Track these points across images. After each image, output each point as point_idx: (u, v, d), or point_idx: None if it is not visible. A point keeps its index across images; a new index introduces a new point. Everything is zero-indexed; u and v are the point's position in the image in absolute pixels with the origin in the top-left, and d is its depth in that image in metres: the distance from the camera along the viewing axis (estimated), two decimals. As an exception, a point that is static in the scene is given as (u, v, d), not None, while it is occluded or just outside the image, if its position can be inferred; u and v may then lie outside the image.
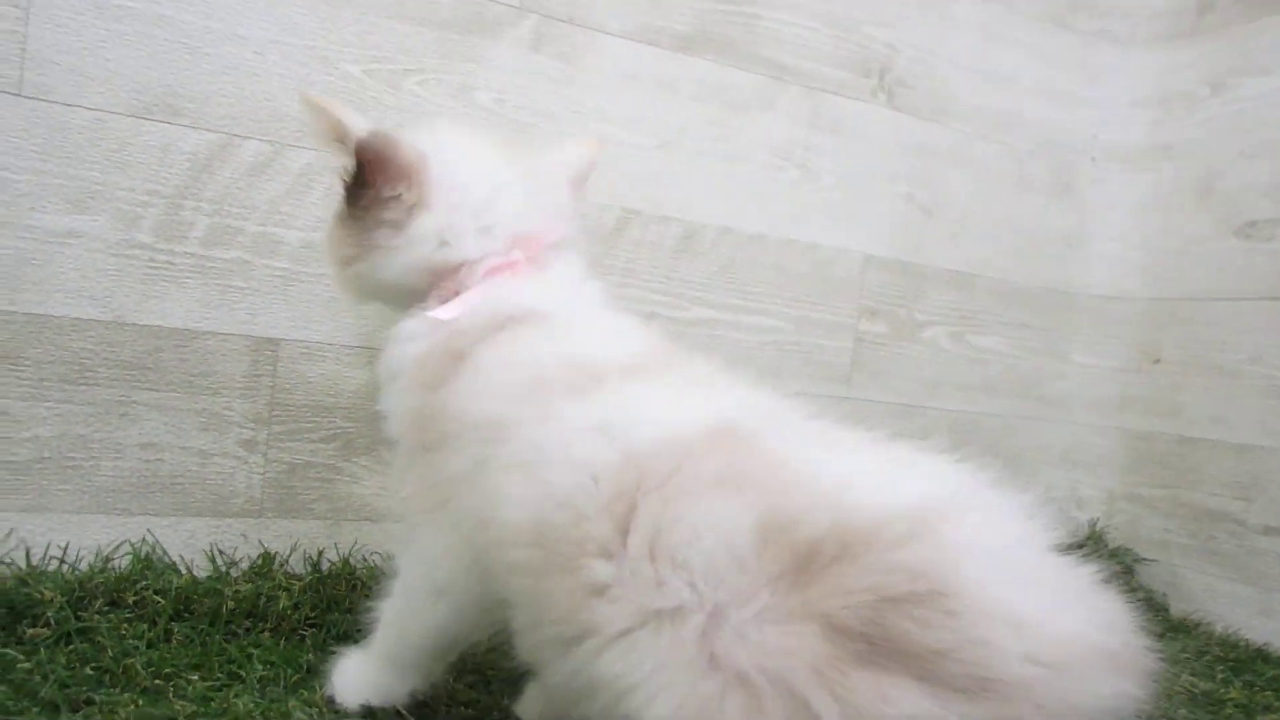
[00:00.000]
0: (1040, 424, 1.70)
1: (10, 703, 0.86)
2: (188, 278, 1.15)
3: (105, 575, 1.08)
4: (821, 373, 1.52)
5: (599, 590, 0.70)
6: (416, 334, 0.91)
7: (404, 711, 0.92)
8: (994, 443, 1.65)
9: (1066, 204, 1.70)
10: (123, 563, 1.12)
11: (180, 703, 0.91)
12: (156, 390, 1.14)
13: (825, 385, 1.52)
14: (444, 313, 0.89)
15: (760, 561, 0.66)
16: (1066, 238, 1.70)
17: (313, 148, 1.19)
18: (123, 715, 0.87)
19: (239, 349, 1.17)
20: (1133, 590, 1.61)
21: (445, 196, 0.91)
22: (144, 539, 1.14)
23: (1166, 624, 1.56)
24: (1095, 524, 1.68)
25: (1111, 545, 1.66)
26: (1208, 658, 1.39)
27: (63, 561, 1.10)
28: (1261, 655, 1.43)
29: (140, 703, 0.89)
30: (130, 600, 1.07)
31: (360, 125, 0.91)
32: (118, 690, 0.92)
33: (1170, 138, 1.67)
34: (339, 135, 0.91)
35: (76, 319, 1.11)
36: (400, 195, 0.90)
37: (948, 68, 1.59)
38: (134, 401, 1.13)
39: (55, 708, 0.87)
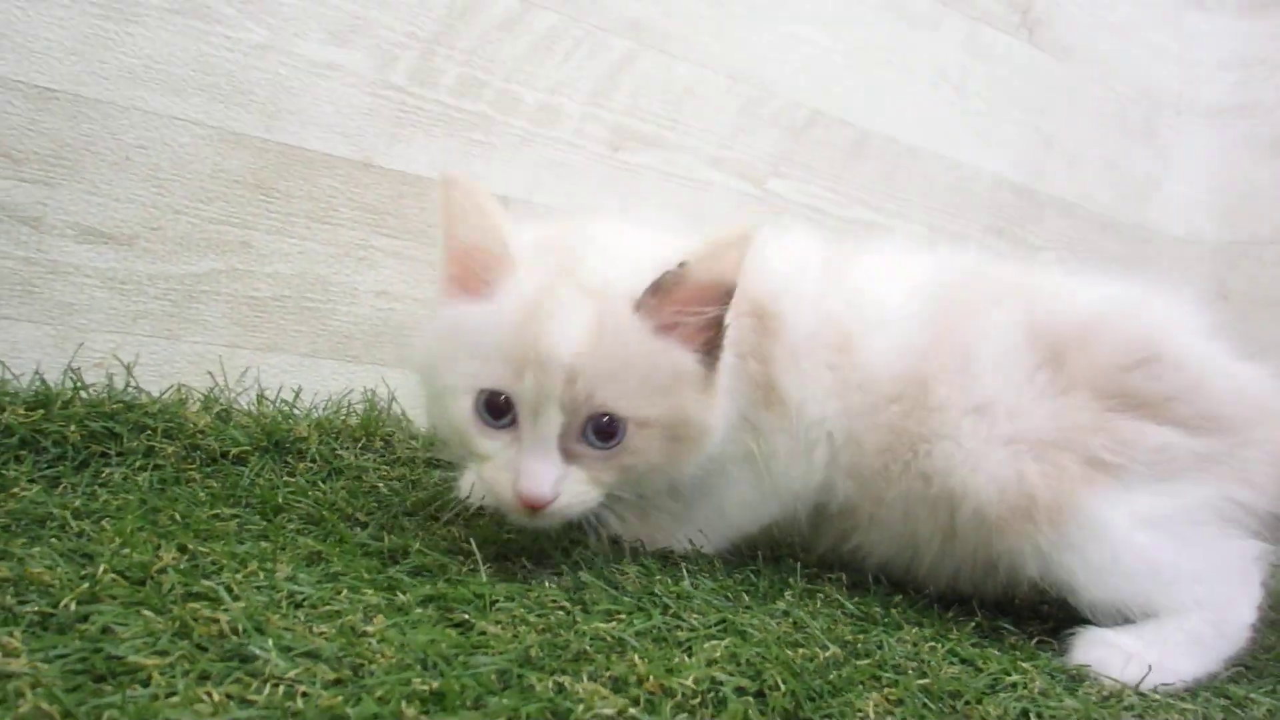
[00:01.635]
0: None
1: (341, 527, 0.79)
2: (434, 125, 1.07)
3: (350, 419, 1.01)
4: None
5: (935, 408, 0.78)
6: None
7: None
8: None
9: (1154, 150, 1.75)
10: (357, 409, 1.04)
11: (500, 532, 0.85)
12: (396, 237, 1.07)
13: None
14: None
15: (1035, 354, 0.77)
16: (1152, 180, 1.76)
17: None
18: (457, 534, 0.81)
19: (473, 204, 1.11)
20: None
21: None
22: (375, 389, 1.06)
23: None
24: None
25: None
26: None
27: (294, 405, 1.02)
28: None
29: (454, 527, 0.84)
30: (378, 445, 1.00)
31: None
32: (418, 520, 0.85)
33: (1248, 98, 1.74)
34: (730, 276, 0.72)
35: (328, 155, 1.02)
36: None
37: (1075, 10, 1.62)
38: (373, 246, 1.06)
39: (382, 525, 0.80)
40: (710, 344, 0.72)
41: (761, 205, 1.29)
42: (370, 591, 0.64)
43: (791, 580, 0.84)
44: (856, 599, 0.82)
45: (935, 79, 1.47)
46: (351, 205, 1.04)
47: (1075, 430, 0.74)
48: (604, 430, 0.69)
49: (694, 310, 0.69)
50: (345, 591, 0.63)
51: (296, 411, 1.01)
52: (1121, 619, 0.74)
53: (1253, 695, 0.73)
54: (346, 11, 1.01)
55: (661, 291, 0.68)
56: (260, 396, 1.00)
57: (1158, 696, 0.69)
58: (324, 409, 1.03)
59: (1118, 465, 0.73)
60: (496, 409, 0.69)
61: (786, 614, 0.75)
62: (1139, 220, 1.75)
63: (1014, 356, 0.78)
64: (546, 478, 0.68)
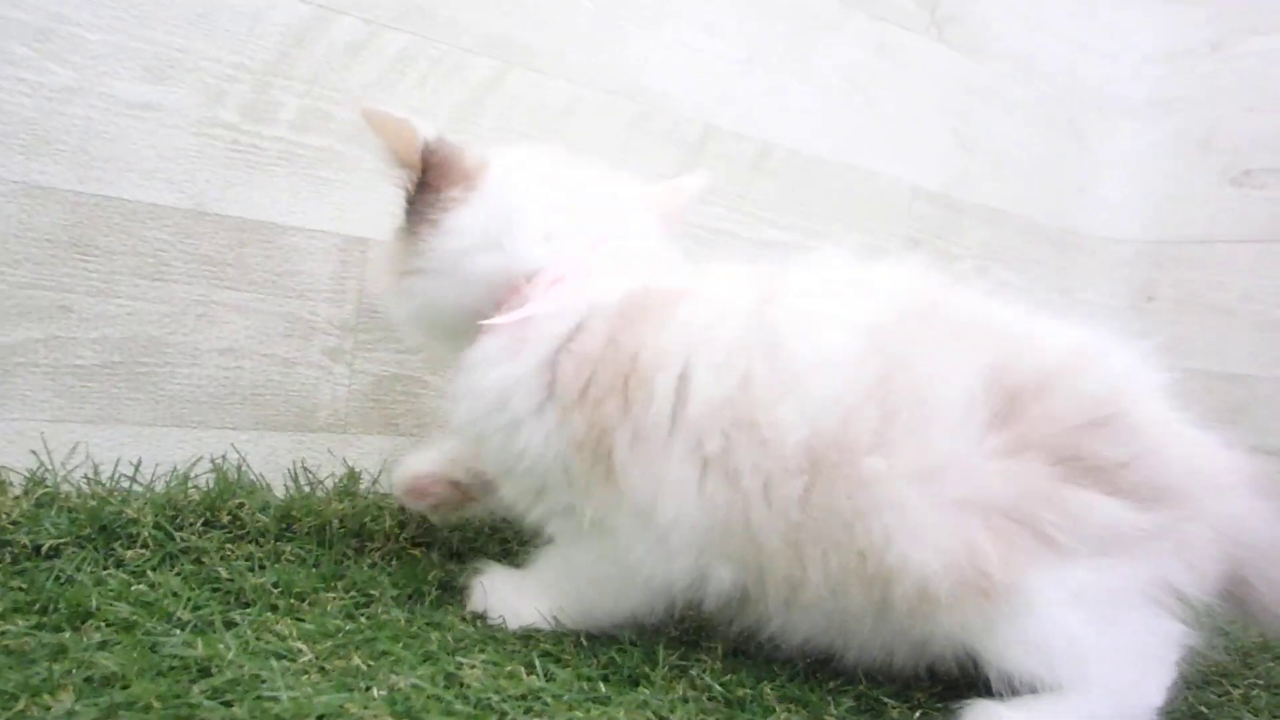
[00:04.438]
0: (1043, 358, 1.69)
1: (151, 624, 0.70)
2: (275, 164, 0.98)
3: (192, 493, 0.91)
4: (868, 300, 1.45)
5: (871, 482, 0.69)
6: (516, 344, 0.76)
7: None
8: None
9: (1079, 150, 1.68)
10: (204, 480, 0.94)
11: (333, 620, 0.76)
12: (239, 289, 0.97)
13: (871, 312, 1.45)
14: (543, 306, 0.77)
15: (987, 407, 0.69)
16: (1078, 181, 1.68)
17: (410, 30, 1.03)
18: (280, 633, 0.72)
19: (326, 247, 1.01)
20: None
21: (500, 197, 0.80)
22: (225, 455, 0.96)
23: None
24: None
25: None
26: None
27: (134, 479, 0.92)
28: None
29: (289, 620, 0.75)
30: (224, 519, 0.90)
31: (427, 130, 0.80)
32: (255, 610, 0.76)
33: (1173, 93, 1.67)
34: (404, 143, 0.80)
35: (153, 204, 0.92)
36: (456, 196, 0.80)
37: (987, 5, 1.54)
38: (214, 301, 0.96)
39: (199, 629, 0.71)
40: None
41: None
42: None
43: (659, 653, 0.76)
44: (730, 676, 0.74)
45: (842, 85, 1.39)
46: (185, 258, 0.94)
47: (1027, 498, 0.68)
48: None
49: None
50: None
51: (138, 486, 0.92)
52: (1026, 691, 0.68)
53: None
54: (165, 45, 0.91)
55: None
56: (93, 475, 0.90)
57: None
58: (167, 483, 0.93)
59: (1064, 543, 0.67)
60: None
61: (645, 705, 0.68)
62: (1065, 224, 1.68)
63: (971, 409, 0.69)
64: None
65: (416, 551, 0.95)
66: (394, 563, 0.93)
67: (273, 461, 0.99)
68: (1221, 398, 1.55)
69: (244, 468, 0.96)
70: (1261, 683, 0.89)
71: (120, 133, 0.90)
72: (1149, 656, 0.69)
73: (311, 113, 0.99)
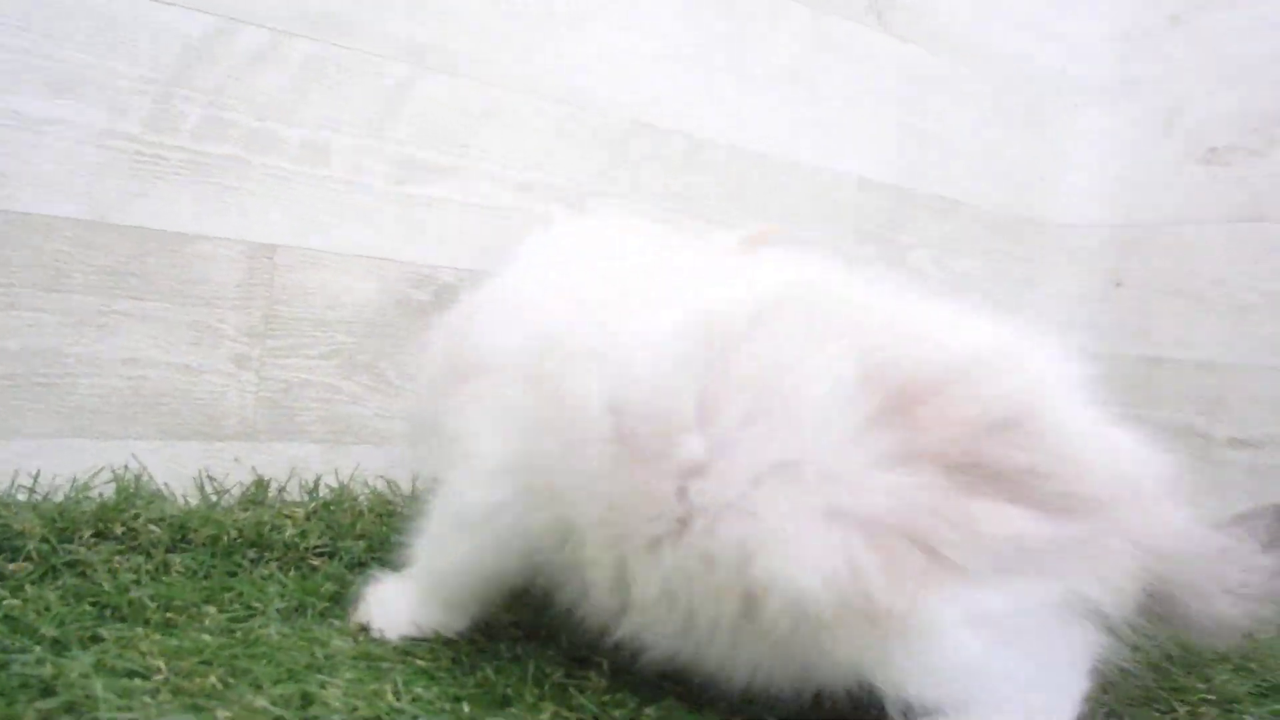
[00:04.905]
0: (1010, 350, 1.65)
1: (8, 641, 0.70)
2: (178, 174, 0.97)
3: (87, 504, 0.91)
4: (816, 296, 1.42)
5: (695, 469, 0.63)
6: None
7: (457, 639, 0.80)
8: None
9: (1039, 135, 1.64)
10: (105, 490, 0.95)
11: (204, 635, 0.76)
12: (141, 299, 0.97)
13: (819, 308, 1.42)
14: None
15: (867, 406, 0.62)
16: (1039, 168, 1.64)
17: (317, 37, 1.03)
18: (143, 650, 0.72)
19: (232, 255, 1.01)
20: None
21: None
22: (127, 465, 0.97)
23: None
24: (1059, 447, 1.64)
25: (1075, 467, 1.62)
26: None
27: (33, 491, 0.93)
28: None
29: (158, 637, 0.74)
30: (118, 531, 0.90)
31: None
32: (126, 625, 0.76)
33: (1134, 71, 1.62)
34: None
35: (52, 217, 0.92)
36: None
37: (935, -9, 1.51)
38: (115, 311, 0.96)
39: (62, 645, 0.71)
40: None
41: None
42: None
43: (543, 669, 0.74)
44: (610, 696, 0.72)
45: (781, 79, 1.36)
46: (86, 269, 0.94)
47: (919, 513, 0.61)
48: None
49: None
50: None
51: (36, 497, 0.92)
52: (926, 716, 0.63)
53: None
54: (67, 61, 0.91)
55: None
56: (-8, 486, 0.91)
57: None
58: (66, 494, 0.93)
59: (962, 562, 0.61)
60: None
61: None
62: (1027, 212, 1.64)
63: (839, 408, 0.62)
64: None
65: (318, 561, 0.95)
66: (291, 573, 0.92)
67: (178, 471, 0.99)
68: (1194, 388, 1.51)
69: (145, 478, 0.96)
70: (1213, 698, 0.85)
71: (20, 148, 0.90)
72: (1061, 672, 0.64)
73: (215, 122, 0.99)
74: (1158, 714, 0.80)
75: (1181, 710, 0.80)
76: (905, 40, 1.46)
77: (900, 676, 0.62)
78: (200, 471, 1.00)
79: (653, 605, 0.67)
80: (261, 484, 1.02)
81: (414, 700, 0.69)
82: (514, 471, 0.72)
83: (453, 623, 0.80)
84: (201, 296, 0.99)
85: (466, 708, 0.69)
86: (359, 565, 0.95)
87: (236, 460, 1.02)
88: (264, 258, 1.02)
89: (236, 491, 1.01)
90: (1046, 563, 0.62)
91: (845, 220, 1.43)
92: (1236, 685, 0.87)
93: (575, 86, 1.19)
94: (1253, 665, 0.93)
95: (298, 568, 0.93)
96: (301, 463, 1.05)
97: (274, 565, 0.93)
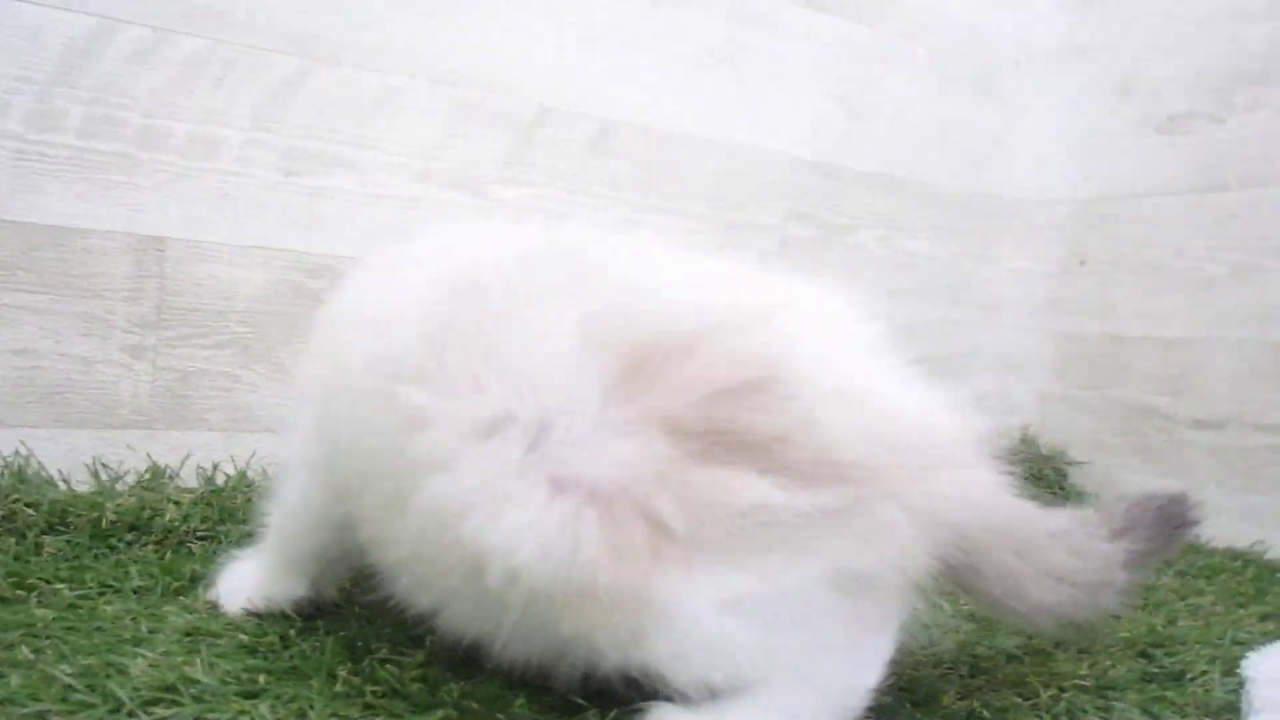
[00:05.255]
0: (972, 328, 1.60)
1: None
2: (63, 171, 1.01)
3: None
4: (748, 278, 1.40)
5: (417, 423, 0.60)
6: None
7: (290, 613, 0.81)
8: (928, 347, 1.54)
9: (992, 107, 1.59)
10: (-1, 478, 0.98)
11: (41, 610, 0.78)
12: (31, 292, 1.00)
13: (752, 290, 1.40)
14: None
15: (592, 368, 0.59)
16: (992, 141, 1.59)
17: (200, 33, 1.05)
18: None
19: (121, 248, 1.04)
20: (1065, 494, 1.52)
21: None
22: (16, 452, 1.00)
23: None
24: (1027, 429, 1.59)
25: (1045, 450, 1.57)
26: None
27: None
28: (1192, 548, 1.35)
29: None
30: (-1, 515, 0.94)
31: None
32: (-28, 599, 0.79)
33: (1088, 38, 1.56)
34: None
35: (-65, 214, 0.97)
36: None
37: (871, -36, 1.47)
38: (5, 304, 1.00)
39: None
40: None
41: (490, 215, 1.19)
42: None
43: (368, 646, 0.74)
44: (418, 671, 0.72)
45: (700, 58, 1.35)
46: (-26, 264, 0.98)
47: (646, 483, 0.57)
48: None
49: None
50: None
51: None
52: (711, 696, 0.59)
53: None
54: (-57, 62, 0.95)
55: None
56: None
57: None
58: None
59: (697, 538, 0.57)
60: None
61: (295, 699, 0.66)
62: (981, 186, 1.58)
63: (559, 367, 0.59)
64: None
65: (196, 546, 0.97)
66: (168, 556, 0.94)
67: (73, 459, 1.02)
68: (1157, 365, 1.45)
69: (33, 464, 0.99)
70: (1089, 684, 0.81)
71: (-101, 148, 0.94)
72: (848, 642, 0.61)
73: (99, 119, 1.02)
74: (1017, 698, 0.77)
75: (1045, 694, 0.77)
76: (839, 15, 1.43)
77: (657, 660, 0.58)
78: (94, 459, 1.03)
79: (406, 566, 0.66)
80: (157, 471, 1.05)
81: (213, 672, 0.70)
82: (319, 433, 0.74)
83: (293, 589, 0.80)
84: (91, 289, 1.03)
85: (262, 679, 0.69)
86: (236, 548, 0.97)
87: (130, 448, 1.05)
88: (154, 250, 1.05)
89: (132, 478, 1.04)
90: (804, 536, 0.57)
91: (776, 201, 1.40)
92: (1120, 671, 0.83)
93: (474, 71, 1.19)
94: (1157, 652, 0.89)
95: (175, 550, 0.95)
96: (200, 450, 1.07)
97: (150, 548, 0.95)
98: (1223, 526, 1.36)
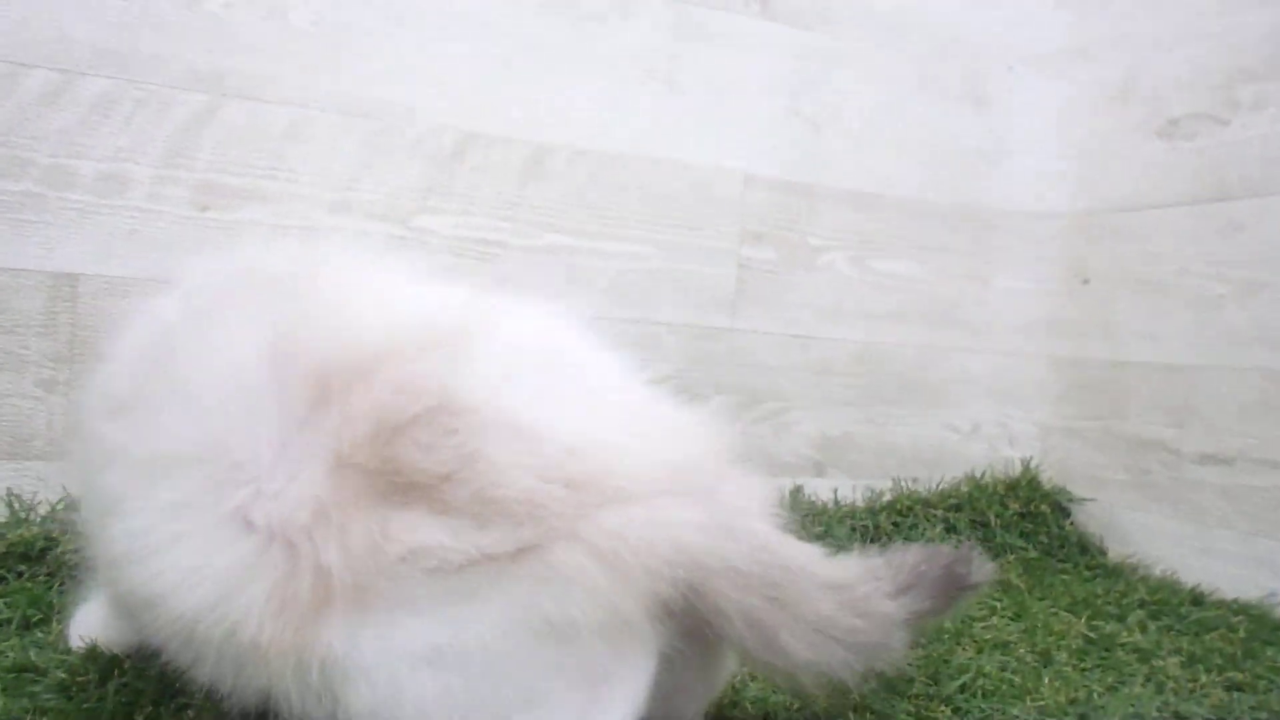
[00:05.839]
0: (963, 354, 1.49)
1: None
2: (-28, 212, 1.05)
3: None
4: (700, 301, 1.34)
5: (102, 460, 0.59)
6: None
7: (124, 656, 0.81)
8: (911, 375, 1.45)
9: (980, 114, 1.48)
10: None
11: None
12: (-56, 330, 1.05)
13: (705, 315, 1.34)
14: None
15: (276, 399, 0.55)
16: (982, 150, 1.48)
17: (108, 74, 1.08)
18: None
19: (33, 284, 1.07)
20: (1065, 534, 1.40)
21: None
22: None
23: (1102, 568, 1.34)
24: (1029, 462, 1.47)
25: (1046, 486, 1.45)
26: (1128, 600, 1.17)
27: None
28: (1193, 598, 1.21)
29: None
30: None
31: None
32: None
33: (1085, 37, 1.43)
34: None
35: None
36: None
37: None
38: (-78, 341, 1.04)
39: None
40: None
41: (412, 246, 1.18)
42: None
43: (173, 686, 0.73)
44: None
45: (638, 75, 1.30)
46: (-108, 303, 1.03)
47: (315, 527, 0.53)
48: None
49: None
50: None
51: None
52: None
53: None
54: None
55: None
56: None
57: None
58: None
59: (367, 586, 0.53)
60: None
61: None
62: (969, 199, 1.48)
63: (242, 398, 0.56)
64: None
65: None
66: (56, 587, 0.96)
67: (-13, 490, 1.06)
68: (1161, 394, 1.31)
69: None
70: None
71: None
72: (568, 691, 0.55)
73: (8, 161, 1.05)
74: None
75: None
76: (793, 24, 1.36)
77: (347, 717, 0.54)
78: (6, 490, 1.06)
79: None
80: (71, 504, 1.07)
81: (15, 705, 0.70)
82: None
83: (125, 630, 0.79)
84: (4, 325, 1.06)
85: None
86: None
87: (41, 480, 1.08)
88: (66, 286, 1.08)
89: (44, 509, 1.06)
90: (482, 582, 0.53)
91: (729, 221, 1.34)
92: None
93: (389, 99, 1.18)
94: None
95: (67, 581, 0.97)
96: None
97: (42, 579, 0.98)
98: (1230, 575, 1.23)
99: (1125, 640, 1.05)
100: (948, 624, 1.03)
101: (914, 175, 1.44)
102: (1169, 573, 1.30)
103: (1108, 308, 1.38)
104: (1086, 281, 1.41)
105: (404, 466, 0.54)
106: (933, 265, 1.46)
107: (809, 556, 0.62)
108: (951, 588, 0.65)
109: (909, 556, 0.65)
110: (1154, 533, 1.33)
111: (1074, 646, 1.02)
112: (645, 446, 0.58)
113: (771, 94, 1.36)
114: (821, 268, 1.40)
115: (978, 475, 1.45)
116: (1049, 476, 1.46)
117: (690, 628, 0.58)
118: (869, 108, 1.41)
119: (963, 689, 0.86)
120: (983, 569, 0.66)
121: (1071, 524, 1.41)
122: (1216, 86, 1.26)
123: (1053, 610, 1.13)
